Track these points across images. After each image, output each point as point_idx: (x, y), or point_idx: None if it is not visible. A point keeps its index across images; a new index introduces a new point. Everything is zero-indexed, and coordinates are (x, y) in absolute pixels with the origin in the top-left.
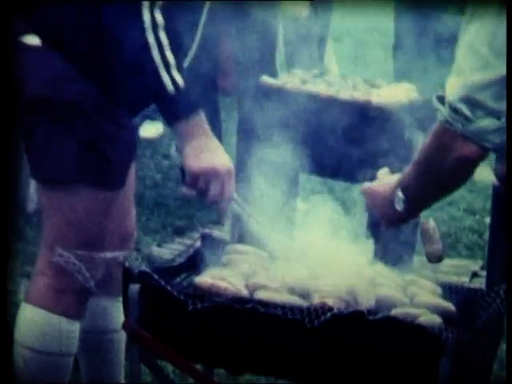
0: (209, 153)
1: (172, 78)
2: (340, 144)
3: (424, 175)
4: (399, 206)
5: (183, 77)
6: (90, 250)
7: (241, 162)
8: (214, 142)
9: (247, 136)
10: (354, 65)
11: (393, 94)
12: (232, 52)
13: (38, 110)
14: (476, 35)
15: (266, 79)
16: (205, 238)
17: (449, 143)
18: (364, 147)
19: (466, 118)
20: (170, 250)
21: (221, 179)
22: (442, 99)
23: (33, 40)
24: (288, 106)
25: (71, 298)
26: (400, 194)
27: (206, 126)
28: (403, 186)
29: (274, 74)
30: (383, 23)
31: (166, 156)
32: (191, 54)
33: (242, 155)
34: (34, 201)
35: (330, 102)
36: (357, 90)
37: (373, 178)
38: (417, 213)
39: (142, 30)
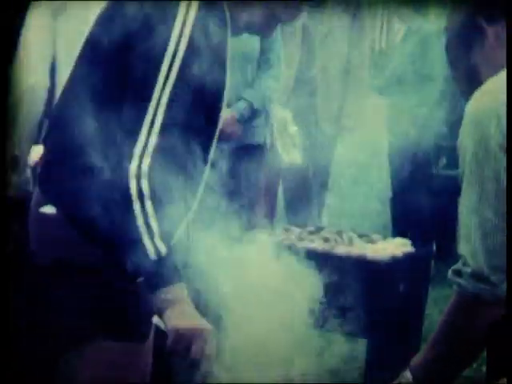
0: (190, 316)
1: (155, 246)
2: (336, 298)
3: (447, 351)
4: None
5: (167, 245)
6: None
7: None
8: (193, 309)
9: None
10: (350, 218)
11: (387, 248)
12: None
13: (54, 272)
14: (478, 199)
15: (262, 236)
16: None
17: (477, 312)
18: (360, 302)
19: (493, 284)
20: None
21: (204, 338)
22: (459, 272)
23: (49, 209)
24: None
25: None
26: (408, 374)
27: (186, 294)
28: (415, 367)
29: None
30: (381, 177)
31: None
32: (188, 218)
33: None
34: None
35: (326, 258)
36: (352, 245)
37: None
38: None
39: (129, 199)
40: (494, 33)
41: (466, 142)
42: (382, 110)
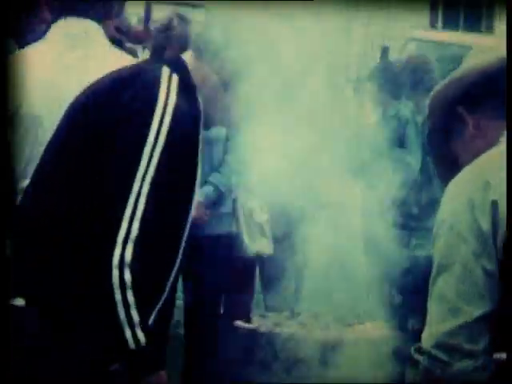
0: None
1: (135, 336)
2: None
3: None
4: None
5: (148, 335)
6: None
7: None
8: None
9: None
10: (326, 301)
11: (364, 331)
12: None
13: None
14: (445, 285)
15: (240, 323)
16: None
17: None
18: None
19: (444, 363)
20: None
21: None
22: (420, 350)
23: (19, 301)
24: (263, 347)
25: None
26: None
27: (165, 382)
28: None
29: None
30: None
31: None
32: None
33: None
34: None
35: (304, 342)
36: (329, 330)
37: None
38: None
39: (110, 289)
40: (475, 122)
41: (439, 227)
42: (357, 193)
